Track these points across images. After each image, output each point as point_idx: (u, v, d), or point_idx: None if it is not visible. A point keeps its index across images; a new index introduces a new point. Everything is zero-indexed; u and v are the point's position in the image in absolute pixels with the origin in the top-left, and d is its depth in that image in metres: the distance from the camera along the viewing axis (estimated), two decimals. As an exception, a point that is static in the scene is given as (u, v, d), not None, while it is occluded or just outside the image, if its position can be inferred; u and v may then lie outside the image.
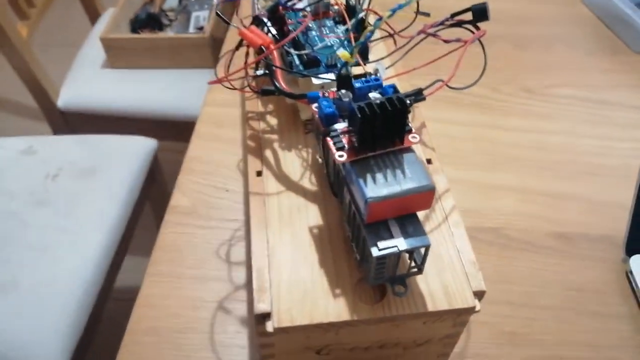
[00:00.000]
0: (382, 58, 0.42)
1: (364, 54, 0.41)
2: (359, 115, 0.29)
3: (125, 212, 0.88)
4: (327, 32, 0.42)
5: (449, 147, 0.62)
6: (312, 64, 0.40)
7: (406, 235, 0.30)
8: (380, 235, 0.30)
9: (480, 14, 0.39)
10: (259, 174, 0.39)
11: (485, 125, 0.65)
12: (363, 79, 0.33)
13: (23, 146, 0.94)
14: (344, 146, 0.31)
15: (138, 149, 0.96)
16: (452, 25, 0.40)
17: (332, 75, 0.39)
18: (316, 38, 0.42)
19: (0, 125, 1.61)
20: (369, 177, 0.30)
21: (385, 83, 0.34)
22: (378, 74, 0.38)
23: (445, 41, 0.39)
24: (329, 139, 0.31)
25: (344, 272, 0.34)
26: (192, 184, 0.56)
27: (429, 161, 0.41)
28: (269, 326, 0.32)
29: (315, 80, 0.39)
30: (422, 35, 0.40)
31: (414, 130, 0.32)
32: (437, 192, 0.38)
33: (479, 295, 0.34)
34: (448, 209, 0.38)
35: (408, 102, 0.32)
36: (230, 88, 0.40)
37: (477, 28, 0.40)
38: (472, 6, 0.39)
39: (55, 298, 0.74)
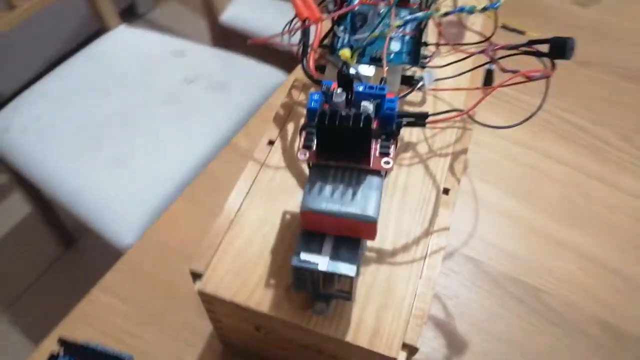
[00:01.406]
0: (433, 67, 0.38)
1: (414, 55, 0.37)
2: (317, 122, 0.27)
3: (233, 131, 0.93)
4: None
5: (532, 182, 0.55)
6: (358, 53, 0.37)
7: (335, 257, 0.28)
8: (310, 246, 0.29)
9: (559, 50, 0.33)
10: (271, 143, 0.39)
11: (588, 172, 0.57)
12: (371, 84, 0.31)
13: (177, 47, 1.04)
14: (311, 146, 0.29)
15: (268, 78, 0.99)
16: (525, 53, 0.35)
17: (366, 69, 0.36)
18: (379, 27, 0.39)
19: (170, 24, 1.77)
20: (318, 185, 0.29)
21: (391, 96, 0.31)
22: (422, 82, 0.35)
23: (503, 70, 0.34)
24: (303, 133, 0.30)
25: (289, 266, 0.33)
26: (257, 129, 0.58)
27: (445, 191, 0.37)
28: (197, 285, 0.33)
29: (350, 69, 0.37)
30: (482, 56, 0.35)
31: (391, 155, 0.29)
32: (433, 228, 0.35)
33: (409, 350, 0.31)
34: (432, 249, 0.34)
35: (403, 122, 0.29)
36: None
37: (553, 65, 0.34)
38: (553, 38, 0.33)
39: (154, 182, 0.83)
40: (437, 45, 0.40)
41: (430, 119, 0.33)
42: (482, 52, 0.35)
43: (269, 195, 0.36)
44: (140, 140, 0.89)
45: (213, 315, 0.39)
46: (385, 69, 0.37)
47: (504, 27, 0.39)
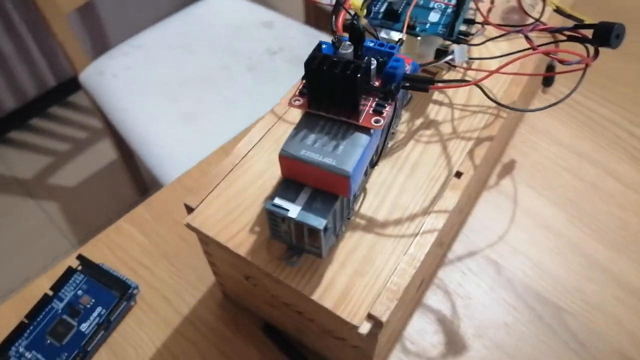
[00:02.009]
0: (471, 44, 0.36)
1: (450, 28, 0.35)
2: (307, 65, 0.26)
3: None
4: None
5: (584, 197, 0.51)
6: (391, 17, 0.36)
7: (307, 207, 0.28)
8: (286, 193, 0.28)
9: (603, 36, 0.30)
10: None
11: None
12: (382, 42, 0.30)
13: (267, 19, 1.06)
14: (306, 93, 0.29)
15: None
16: (569, 38, 0.32)
17: (397, 35, 0.35)
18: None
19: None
20: (303, 133, 0.28)
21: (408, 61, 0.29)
22: (451, 56, 0.33)
23: (533, 48, 0.32)
24: (302, 81, 0.30)
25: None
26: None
27: (458, 174, 0.35)
28: (187, 219, 0.34)
29: (380, 33, 0.36)
30: (519, 35, 0.33)
31: (384, 115, 0.28)
32: (433, 208, 0.33)
33: (375, 323, 0.29)
34: (426, 229, 0.32)
35: (403, 84, 0.28)
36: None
37: (597, 53, 0.31)
38: (598, 23, 0.30)
39: (217, 143, 0.86)
40: (472, 22, 0.37)
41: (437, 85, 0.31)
42: (518, 31, 0.33)
43: (276, 147, 0.36)
44: (213, 102, 0.92)
45: (210, 258, 0.40)
46: (419, 38, 0.36)
47: (558, 11, 0.36)
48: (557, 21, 0.41)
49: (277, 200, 0.28)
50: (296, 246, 0.30)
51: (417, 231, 0.32)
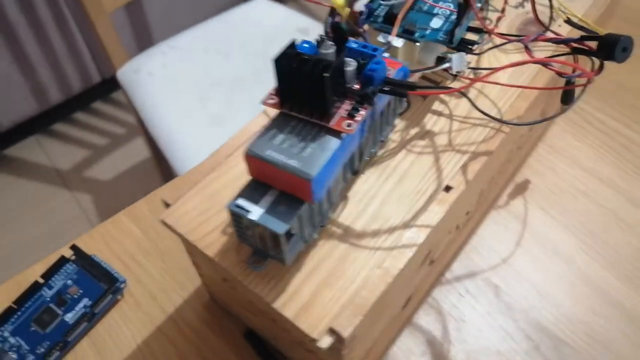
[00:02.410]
0: (472, 53, 0.34)
1: (450, 34, 0.34)
2: (277, 62, 0.25)
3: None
4: (439, 1, 0.36)
5: (602, 226, 0.47)
6: (391, 21, 0.35)
7: (270, 210, 0.27)
8: (251, 194, 0.27)
9: (608, 49, 0.28)
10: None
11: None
12: (365, 43, 0.28)
13: (303, 25, 1.06)
14: (281, 92, 0.28)
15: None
16: (575, 50, 0.30)
17: (396, 40, 0.34)
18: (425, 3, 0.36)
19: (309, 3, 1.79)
20: (272, 133, 0.27)
21: (396, 65, 0.28)
22: (449, 64, 0.32)
23: (532, 60, 0.30)
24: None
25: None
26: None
27: (447, 188, 0.33)
28: (162, 215, 0.33)
29: (379, 37, 0.35)
30: (519, 45, 0.31)
31: (357, 119, 0.27)
32: (415, 222, 0.31)
33: (337, 338, 0.28)
34: (404, 243, 0.31)
35: (381, 88, 0.27)
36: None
37: (601, 66, 0.29)
38: (604, 35, 0.28)
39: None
40: (476, 30, 0.35)
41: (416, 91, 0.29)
42: (519, 40, 0.31)
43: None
44: (242, 105, 0.93)
45: (192, 258, 0.39)
46: (418, 44, 0.34)
47: (569, 22, 0.34)
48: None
49: (240, 201, 0.27)
50: (260, 250, 0.29)
51: (394, 245, 0.31)
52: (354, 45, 0.28)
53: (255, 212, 0.26)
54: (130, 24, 1.43)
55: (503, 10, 0.38)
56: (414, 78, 0.37)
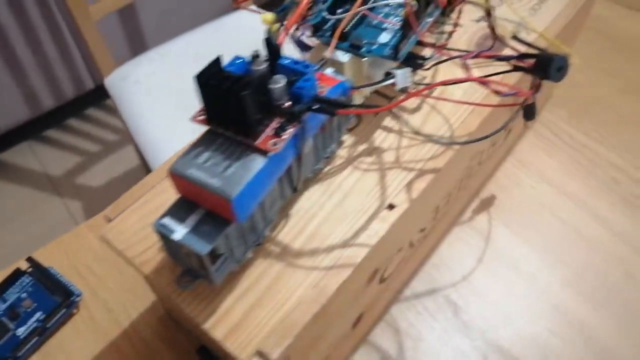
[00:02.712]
0: (411, 69, 0.34)
1: (395, 49, 0.33)
2: (198, 78, 0.25)
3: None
4: (389, 16, 0.36)
5: (566, 243, 0.47)
6: (339, 35, 0.34)
7: (195, 230, 0.26)
8: (178, 213, 0.27)
9: (541, 67, 0.27)
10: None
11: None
12: (297, 59, 0.28)
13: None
14: (210, 109, 0.27)
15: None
16: (515, 68, 0.29)
17: (341, 55, 0.33)
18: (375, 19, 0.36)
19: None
20: (198, 150, 0.27)
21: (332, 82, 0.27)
22: (393, 79, 0.31)
23: (470, 77, 0.29)
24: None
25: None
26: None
27: (390, 206, 0.32)
28: (101, 230, 0.33)
29: (324, 52, 0.34)
30: (458, 61, 0.30)
31: (284, 137, 0.26)
32: (355, 241, 0.31)
33: (263, 358, 0.27)
34: (342, 262, 0.30)
35: (309, 107, 0.26)
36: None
37: (539, 85, 0.28)
38: (539, 53, 0.28)
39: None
40: (425, 44, 0.35)
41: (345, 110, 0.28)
42: (459, 57, 0.30)
43: (208, 164, 0.35)
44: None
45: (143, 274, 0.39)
46: (364, 59, 0.34)
47: (515, 38, 0.33)
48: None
49: (166, 220, 0.26)
50: (190, 270, 0.28)
51: (332, 264, 0.30)
52: (286, 62, 0.28)
53: (179, 231, 0.26)
54: (124, 29, 1.43)
55: (456, 25, 0.37)
56: (362, 94, 0.36)
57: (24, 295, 0.44)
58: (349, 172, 0.34)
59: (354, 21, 0.34)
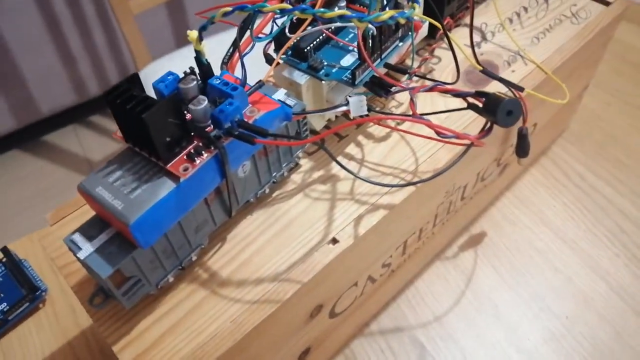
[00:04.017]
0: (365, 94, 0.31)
1: (354, 76, 0.31)
2: (107, 95, 0.24)
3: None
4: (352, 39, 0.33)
5: (554, 293, 0.43)
6: (298, 55, 0.33)
7: (100, 250, 0.25)
8: (89, 230, 0.26)
9: (490, 109, 0.25)
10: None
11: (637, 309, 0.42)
12: (227, 81, 0.27)
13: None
14: (133, 126, 0.26)
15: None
16: (469, 106, 0.27)
17: (298, 76, 0.31)
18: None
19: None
20: (112, 167, 0.26)
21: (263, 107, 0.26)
22: (346, 107, 0.29)
23: (414, 114, 0.27)
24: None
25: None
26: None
27: (333, 241, 0.30)
28: (40, 235, 0.32)
29: (281, 70, 0.33)
30: (407, 93, 0.28)
31: (197, 162, 0.25)
32: (285, 275, 0.29)
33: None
34: (268, 297, 0.28)
35: (235, 133, 0.25)
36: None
37: (490, 128, 0.26)
38: (491, 94, 0.25)
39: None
40: (395, 69, 0.33)
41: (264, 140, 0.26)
42: (408, 89, 0.28)
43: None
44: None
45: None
46: (323, 82, 0.32)
47: (484, 72, 0.31)
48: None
49: (76, 236, 0.26)
50: (103, 288, 0.27)
51: (256, 298, 0.28)
52: (216, 83, 0.26)
53: (85, 249, 0.25)
54: (172, 23, 1.46)
55: (432, 52, 0.35)
56: (324, 118, 0.34)
57: (-7, 285, 0.44)
58: (298, 200, 0.32)
59: (317, 41, 0.32)
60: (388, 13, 0.24)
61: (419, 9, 0.26)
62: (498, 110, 0.24)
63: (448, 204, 0.40)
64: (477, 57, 0.35)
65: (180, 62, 1.04)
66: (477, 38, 0.41)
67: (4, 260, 0.46)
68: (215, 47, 0.33)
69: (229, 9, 0.24)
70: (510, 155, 0.43)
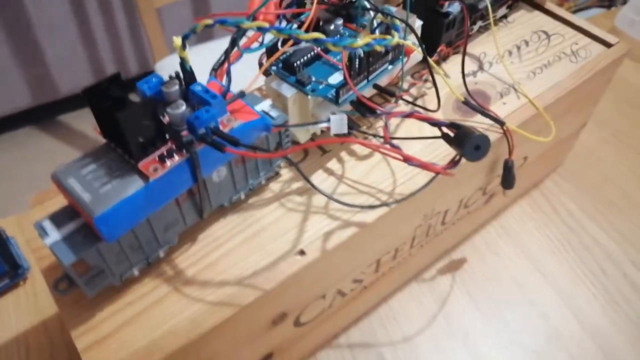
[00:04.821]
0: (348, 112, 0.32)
1: (336, 94, 0.32)
2: (86, 92, 0.25)
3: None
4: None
5: (529, 330, 0.43)
6: (289, 69, 0.33)
7: (67, 238, 0.26)
8: (60, 217, 0.27)
9: (459, 142, 0.25)
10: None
11: None
12: (208, 89, 0.27)
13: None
14: (114, 121, 0.27)
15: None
16: (443, 136, 0.27)
17: (286, 89, 0.32)
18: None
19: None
20: (88, 160, 0.26)
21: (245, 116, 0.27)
22: (328, 124, 0.30)
23: (387, 140, 0.27)
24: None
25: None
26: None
27: (301, 252, 0.31)
28: (22, 216, 0.33)
29: (271, 82, 0.33)
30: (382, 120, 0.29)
31: (167, 164, 0.25)
32: (247, 281, 0.30)
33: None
34: (228, 299, 0.29)
35: (207, 139, 0.25)
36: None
37: (458, 160, 0.26)
38: (462, 127, 0.26)
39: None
40: (383, 90, 0.33)
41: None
42: (381, 114, 0.28)
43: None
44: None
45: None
46: (309, 97, 0.33)
47: (465, 103, 0.31)
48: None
49: (45, 222, 0.26)
50: (68, 275, 0.28)
51: (217, 300, 0.29)
52: (197, 89, 0.27)
53: (52, 236, 0.26)
54: (195, 15, 1.47)
55: (421, 76, 0.35)
56: (308, 132, 0.35)
57: (-21, 258, 0.45)
58: (273, 209, 0.33)
59: (307, 57, 0.33)
60: (364, 40, 0.24)
61: (396, 38, 0.27)
62: (465, 144, 0.24)
63: (427, 227, 0.40)
64: (467, 86, 0.35)
65: (195, 57, 1.05)
66: (474, 67, 0.41)
67: (-12, 235, 0.47)
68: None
69: (211, 21, 0.25)
70: (497, 185, 0.43)
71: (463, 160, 0.27)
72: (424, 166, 0.25)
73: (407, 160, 0.25)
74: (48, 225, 0.26)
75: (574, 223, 0.49)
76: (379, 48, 0.26)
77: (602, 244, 0.48)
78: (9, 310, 0.44)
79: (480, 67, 0.41)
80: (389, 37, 0.26)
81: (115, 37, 1.40)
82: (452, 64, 0.41)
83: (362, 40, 0.24)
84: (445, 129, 0.26)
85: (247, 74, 0.34)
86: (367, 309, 0.44)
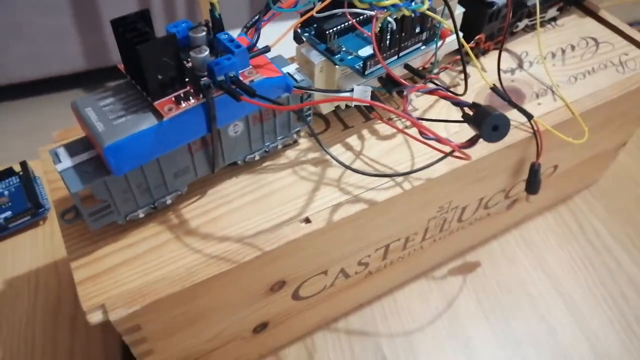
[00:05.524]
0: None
1: (363, 65, 0.31)
2: (114, 24, 0.25)
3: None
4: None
5: (537, 347, 0.41)
6: (319, 37, 0.33)
7: (77, 167, 0.26)
8: (75, 146, 0.27)
9: (477, 120, 0.24)
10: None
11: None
12: (232, 37, 0.27)
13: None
14: (138, 60, 0.28)
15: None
16: (464, 116, 0.27)
17: (315, 55, 0.32)
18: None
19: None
20: (108, 93, 0.27)
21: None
22: (351, 94, 0.30)
23: (405, 110, 0.27)
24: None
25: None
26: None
27: (306, 220, 0.31)
28: (42, 147, 0.34)
29: (301, 47, 0.33)
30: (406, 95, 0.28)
31: (182, 105, 0.26)
32: (249, 240, 0.30)
33: (105, 317, 0.27)
34: (226, 255, 0.29)
35: (222, 86, 0.26)
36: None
37: (472, 141, 0.25)
38: (480, 107, 0.25)
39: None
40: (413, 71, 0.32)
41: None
42: (408, 86, 0.28)
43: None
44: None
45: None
46: (337, 66, 0.32)
47: (493, 89, 0.30)
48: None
49: (60, 149, 0.27)
50: (75, 207, 0.29)
51: (215, 254, 0.29)
52: (223, 37, 0.27)
53: (64, 163, 0.26)
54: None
55: (454, 63, 0.34)
56: (332, 104, 0.35)
57: (5, 192, 0.47)
58: (286, 174, 0.33)
59: (341, 27, 0.33)
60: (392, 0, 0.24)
61: (427, 5, 0.26)
62: (484, 122, 0.23)
63: (442, 221, 0.39)
64: (502, 82, 0.34)
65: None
66: (513, 64, 0.40)
67: (21, 173, 0.48)
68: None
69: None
70: (521, 191, 0.42)
71: (482, 143, 0.26)
72: (438, 139, 0.24)
73: (423, 132, 0.25)
74: (62, 152, 0.27)
75: (599, 243, 0.47)
76: (407, 12, 0.25)
77: (625, 269, 0.46)
78: (25, 247, 0.45)
79: (520, 66, 0.40)
80: (418, 3, 0.26)
81: (171, 6, 1.42)
82: (491, 59, 0.40)
83: (389, 0, 0.24)
84: (466, 109, 0.26)
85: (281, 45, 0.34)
86: (370, 297, 0.43)
